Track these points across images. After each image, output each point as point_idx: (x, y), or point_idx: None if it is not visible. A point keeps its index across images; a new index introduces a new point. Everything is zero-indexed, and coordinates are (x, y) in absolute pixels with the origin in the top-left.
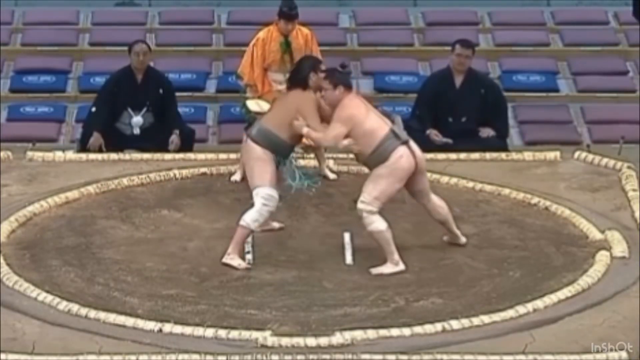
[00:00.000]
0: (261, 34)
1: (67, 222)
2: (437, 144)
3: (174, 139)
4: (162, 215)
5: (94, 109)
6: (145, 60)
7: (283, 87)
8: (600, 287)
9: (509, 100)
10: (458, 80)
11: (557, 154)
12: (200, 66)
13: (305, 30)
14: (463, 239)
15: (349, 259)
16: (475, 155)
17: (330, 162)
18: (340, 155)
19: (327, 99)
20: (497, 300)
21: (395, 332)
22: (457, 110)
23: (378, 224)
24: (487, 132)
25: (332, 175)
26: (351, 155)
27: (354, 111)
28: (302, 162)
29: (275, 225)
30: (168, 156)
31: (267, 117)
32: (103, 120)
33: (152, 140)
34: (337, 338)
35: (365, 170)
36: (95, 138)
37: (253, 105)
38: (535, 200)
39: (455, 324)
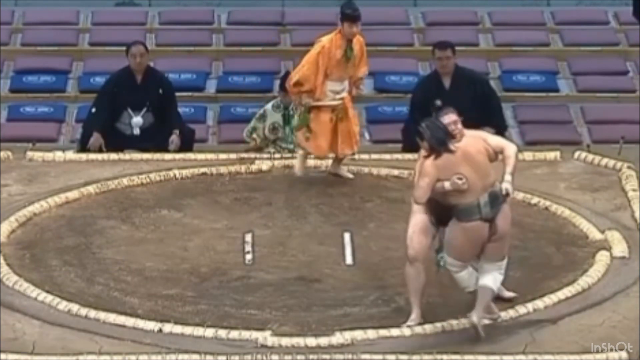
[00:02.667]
0: (325, 42)
1: (67, 222)
2: None
3: (174, 139)
4: (162, 215)
5: (93, 110)
6: (142, 62)
7: (339, 96)
8: (600, 287)
9: (509, 100)
10: (446, 81)
11: (557, 154)
12: (200, 66)
13: (360, 38)
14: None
15: (349, 259)
16: None
17: (330, 162)
18: None
19: None
20: (497, 300)
21: (395, 332)
22: None
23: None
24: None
25: (349, 175)
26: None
27: None
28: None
29: (507, 294)
30: (168, 156)
31: None
32: (103, 121)
33: (152, 140)
34: (337, 338)
35: (365, 170)
36: (95, 138)
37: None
38: (535, 200)
39: (455, 324)
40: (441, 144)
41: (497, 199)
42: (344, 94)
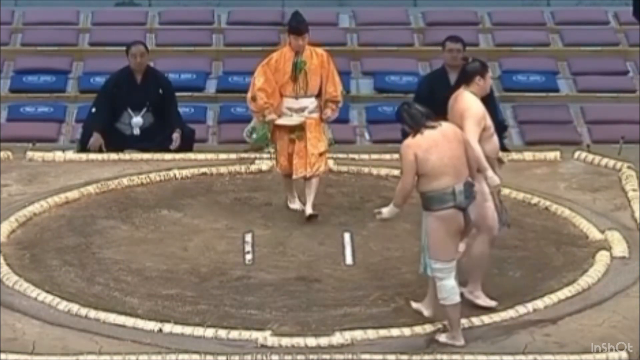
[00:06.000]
0: (274, 55)
1: (67, 222)
2: None
3: (176, 137)
4: (162, 215)
5: (93, 110)
6: (143, 62)
7: (297, 115)
8: (600, 287)
9: (509, 100)
10: (452, 77)
11: (557, 154)
12: (200, 66)
13: (319, 50)
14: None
15: (349, 259)
16: None
17: (330, 162)
18: (340, 155)
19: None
20: (497, 300)
21: (395, 332)
22: None
23: None
24: None
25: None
26: (351, 155)
27: None
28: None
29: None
30: (168, 156)
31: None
32: (103, 121)
33: (152, 140)
34: (337, 338)
35: (365, 170)
36: (96, 138)
37: (282, 120)
38: (535, 200)
39: None
40: (417, 121)
41: (471, 189)
42: (307, 114)
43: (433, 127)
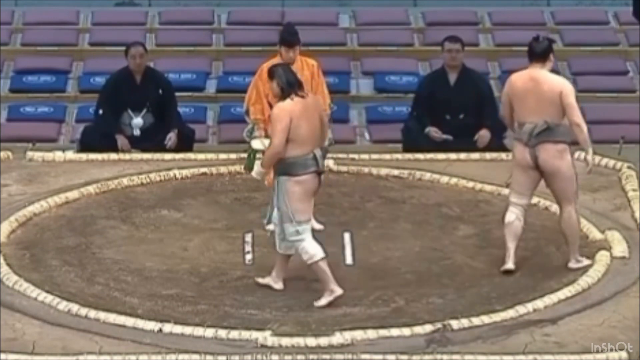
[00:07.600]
0: (265, 66)
1: (67, 222)
2: (437, 141)
3: (172, 136)
4: (162, 215)
5: (101, 111)
6: (142, 63)
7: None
8: (600, 287)
9: None
10: (452, 78)
11: None
12: (200, 66)
13: (311, 61)
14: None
15: (349, 259)
16: (475, 155)
17: (330, 162)
18: (340, 155)
19: None
20: (497, 300)
21: (395, 332)
22: (453, 108)
23: None
24: (483, 139)
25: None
26: (351, 155)
27: None
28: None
29: None
30: (168, 156)
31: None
32: (115, 121)
33: (152, 140)
34: (337, 338)
35: (365, 170)
36: (123, 141)
37: (258, 144)
38: (535, 200)
39: (455, 324)
40: (292, 85)
41: (326, 154)
42: None
43: (303, 97)
